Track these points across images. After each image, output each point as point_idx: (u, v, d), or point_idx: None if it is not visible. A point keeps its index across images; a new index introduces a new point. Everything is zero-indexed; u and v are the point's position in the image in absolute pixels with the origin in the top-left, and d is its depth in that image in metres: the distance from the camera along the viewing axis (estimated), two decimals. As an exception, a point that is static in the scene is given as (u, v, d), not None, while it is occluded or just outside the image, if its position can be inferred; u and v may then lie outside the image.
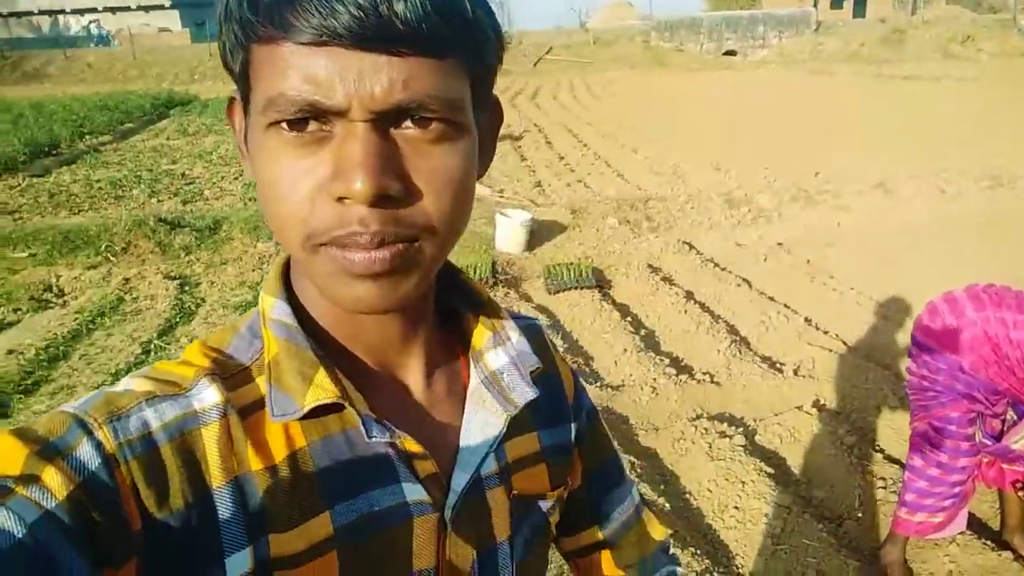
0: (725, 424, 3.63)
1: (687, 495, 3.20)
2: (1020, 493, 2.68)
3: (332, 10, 0.44)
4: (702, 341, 4.59)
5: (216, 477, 0.52)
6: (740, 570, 2.75)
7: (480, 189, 8.75)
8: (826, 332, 4.69)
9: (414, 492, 0.58)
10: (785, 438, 3.56)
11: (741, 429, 3.62)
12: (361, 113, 0.47)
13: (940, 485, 2.56)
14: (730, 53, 30.56)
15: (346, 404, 0.55)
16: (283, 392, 0.55)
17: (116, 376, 4.30)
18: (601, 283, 5.65)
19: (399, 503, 0.57)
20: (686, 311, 5.01)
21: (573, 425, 0.74)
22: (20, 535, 0.42)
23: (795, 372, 4.17)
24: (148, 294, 5.65)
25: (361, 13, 0.44)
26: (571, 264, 5.77)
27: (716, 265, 6.00)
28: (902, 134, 10.83)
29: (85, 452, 0.48)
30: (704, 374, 4.21)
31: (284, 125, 0.48)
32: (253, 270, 6.10)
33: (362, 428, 0.55)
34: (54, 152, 11.03)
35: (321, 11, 0.45)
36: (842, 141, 10.47)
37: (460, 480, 0.61)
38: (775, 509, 2.98)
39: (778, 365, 4.30)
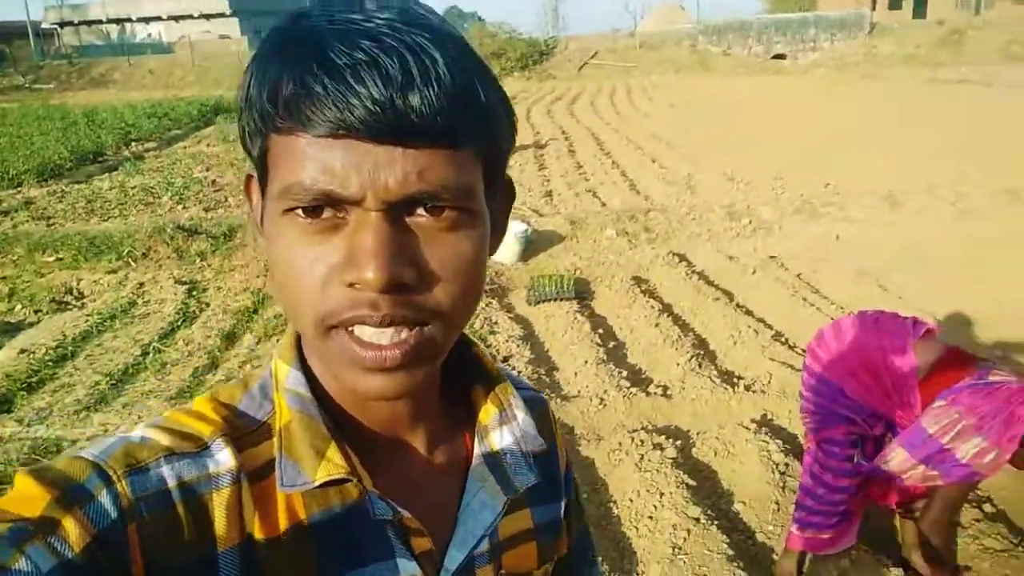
0: (663, 437, 3.76)
1: (611, 504, 3.35)
2: (900, 511, 2.76)
3: (348, 104, 0.46)
4: (665, 354, 4.70)
5: (222, 542, 0.53)
6: (638, 577, 2.89)
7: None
8: (793, 347, 4.76)
9: (408, 568, 0.59)
10: (720, 452, 3.66)
11: (678, 442, 3.73)
12: (375, 203, 0.48)
13: (826, 503, 2.67)
14: (779, 57, 30.07)
15: (354, 480, 0.56)
16: (293, 462, 0.56)
17: (110, 377, 4.65)
18: (583, 295, 5.80)
19: None
20: (658, 324, 5.12)
21: (564, 501, 0.76)
22: None
23: (747, 388, 4.26)
24: (159, 298, 6.04)
25: (377, 108, 0.46)
26: (554, 276, 5.93)
27: (702, 278, 6.08)
28: (926, 142, 10.62)
29: (103, 503, 0.49)
30: (658, 387, 4.33)
31: (300, 212, 0.50)
32: (258, 276, 6.44)
33: (366, 504, 0.57)
34: (99, 159, 11.68)
35: (338, 105, 0.46)
36: (864, 149, 10.33)
37: (454, 560, 0.62)
38: (686, 520, 3.11)
39: (734, 380, 4.39)
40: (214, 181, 9.98)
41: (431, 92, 0.46)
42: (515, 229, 6.64)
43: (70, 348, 5.13)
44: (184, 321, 5.59)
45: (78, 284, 6.42)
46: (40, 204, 8.83)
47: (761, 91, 20.57)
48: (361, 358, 0.51)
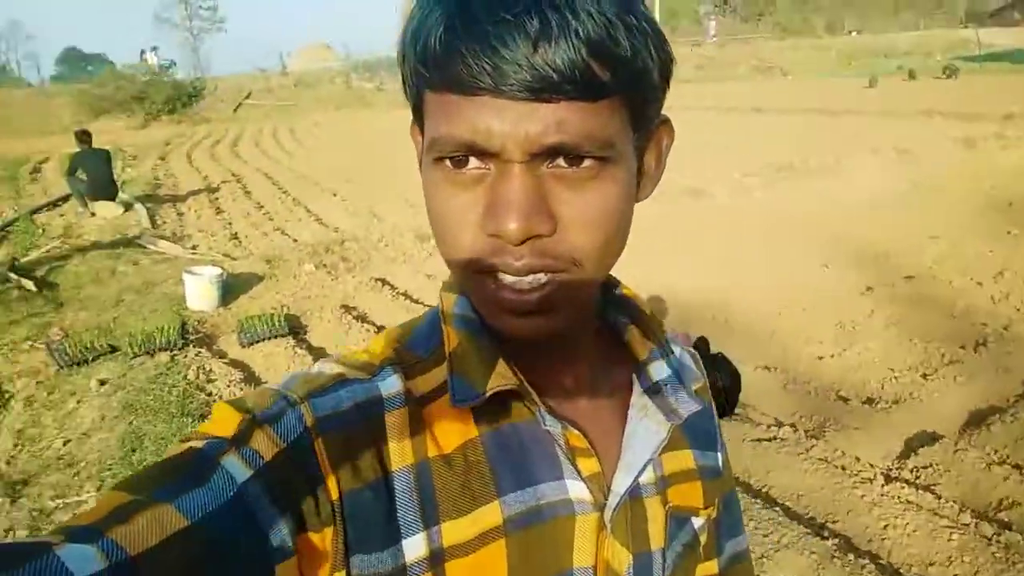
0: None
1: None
2: None
3: (494, 66, 0.48)
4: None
5: (395, 461, 0.55)
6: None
7: (170, 247, 8.37)
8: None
9: (577, 489, 0.60)
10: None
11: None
12: (516, 155, 0.50)
13: None
14: (430, 90, 32.06)
15: (523, 392, 0.58)
16: (464, 380, 0.59)
17: None
18: (297, 329, 5.74)
19: (563, 499, 0.60)
20: (377, 346, 5.28)
21: (719, 455, 0.76)
22: (232, 492, 0.46)
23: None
24: None
25: (518, 67, 0.48)
26: (263, 316, 5.78)
27: (408, 298, 6.38)
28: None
29: (289, 422, 0.52)
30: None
31: (447, 162, 0.52)
32: None
33: (538, 416, 0.58)
34: None
35: (483, 67, 0.48)
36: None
37: (622, 483, 0.62)
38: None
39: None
40: None
41: (572, 46, 0.48)
42: (209, 274, 6.34)
43: None
44: None
45: None
46: None
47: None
48: (503, 300, 0.54)
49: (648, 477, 0.65)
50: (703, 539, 0.71)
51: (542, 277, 0.53)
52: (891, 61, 36.43)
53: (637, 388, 0.67)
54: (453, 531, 0.56)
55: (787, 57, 39.79)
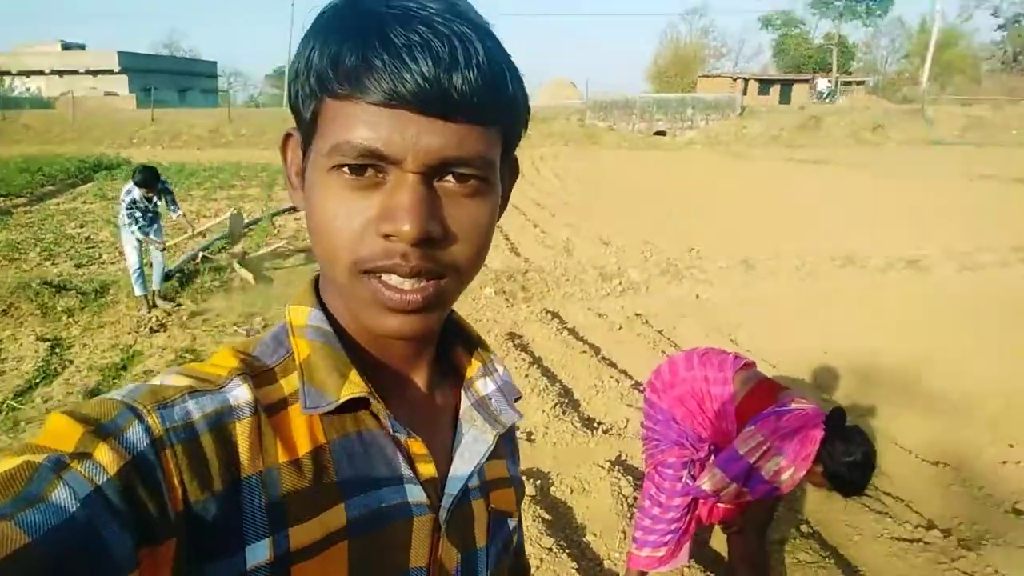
0: (524, 477, 3.96)
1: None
2: (724, 530, 3.06)
3: (402, 79, 0.52)
4: (531, 402, 4.95)
5: (246, 468, 0.56)
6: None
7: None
8: (650, 395, 5.11)
9: (415, 493, 0.64)
10: (575, 489, 3.90)
11: (538, 482, 3.95)
12: (414, 165, 0.55)
13: (660, 523, 2.93)
14: (660, 133, 32.05)
15: (373, 400, 0.61)
16: (316, 388, 0.61)
17: (-42, 432, 4.45)
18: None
19: (402, 502, 0.63)
20: (527, 375, 5.38)
21: (519, 467, 0.85)
22: (73, 509, 0.45)
23: (605, 431, 4.55)
24: (17, 355, 5.80)
25: (426, 83, 0.52)
26: (431, 330, 6.11)
27: (572, 333, 6.42)
28: (769, 214, 11.63)
29: (135, 434, 0.51)
30: (523, 433, 4.55)
31: (346, 169, 0.56)
32: (128, 333, 6.30)
33: (385, 424, 0.62)
34: (-37, 214, 11.07)
35: (393, 79, 0.52)
36: (726, 218, 11.20)
37: (454, 487, 0.67)
38: (539, 550, 3.30)
39: (594, 425, 4.68)
40: (88, 238, 9.68)
41: (472, 75, 0.53)
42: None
43: (-86, 405, 4.86)
44: (44, 378, 5.39)
45: (-71, 340, 6.08)
46: None
47: (642, 164, 21.86)
48: (386, 299, 0.58)
49: (475, 482, 0.70)
50: (514, 539, 0.79)
51: (424, 280, 0.58)
52: None
53: (465, 401, 0.73)
54: (300, 534, 0.57)
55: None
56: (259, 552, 0.55)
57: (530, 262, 8.79)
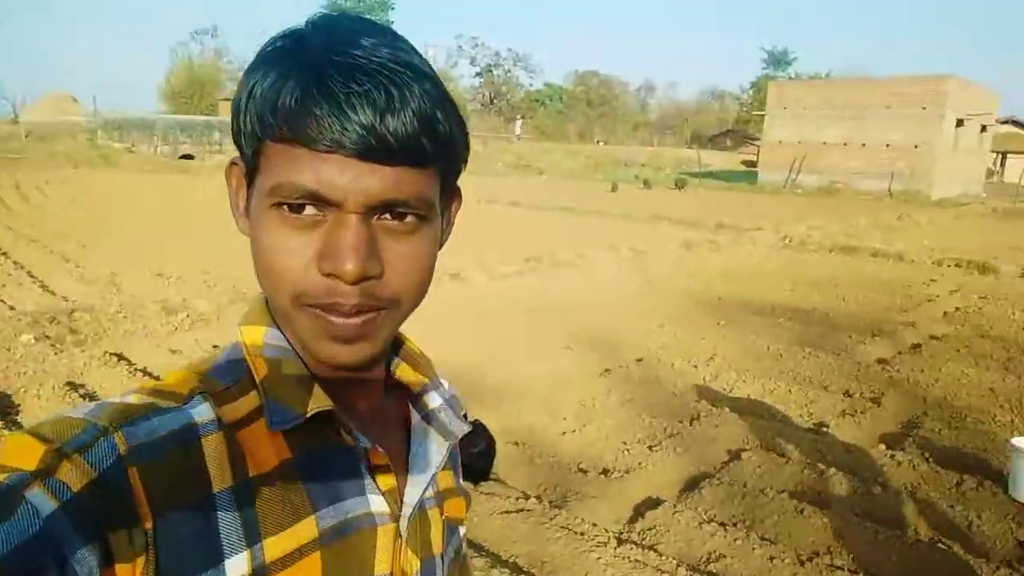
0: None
1: None
2: None
3: (342, 128, 0.54)
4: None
5: (216, 483, 0.56)
6: None
7: None
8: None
9: (377, 503, 0.66)
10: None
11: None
12: (354, 206, 0.57)
13: None
14: (187, 156, 30.39)
15: (337, 414, 0.63)
16: (280, 404, 0.62)
17: None
18: (7, 408, 5.02)
19: (366, 512, 0.65)
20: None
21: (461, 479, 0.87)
22: (36, 528, 0.45)
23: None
24: None
25: (364, 132, 0.54)
26: (-37, 392, 4.99)
27: (149, 374, 5.86)
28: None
29: (101, 451, 0.51)
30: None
31: (286, 208, 0.58)
32: None
33: (351, 437, 0.63)
34: None
35: (333, 127, 0.54)
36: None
37: (412, 497, 0.70)
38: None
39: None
40: None
41: (409, 120, 0.56)
42: None
43: None
44: None
45: None
46: None
47: (174, 188, 20.49)
48: (329, 330, 0.60)
49: (430, 492, 0.74)
50: (464, 546, 0.84)
51: (366, 313, 0.60)
52: (630, 170, 41.16)
53: (415, 415, 0.76)
54: (275, 546, 0.59)
55: (543, 159, 43.33)
56: (238, 566, 0.56)
57: (73, 300, 7.69)
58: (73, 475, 0.49)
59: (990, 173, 34.89)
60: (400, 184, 0.58)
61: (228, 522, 0.56)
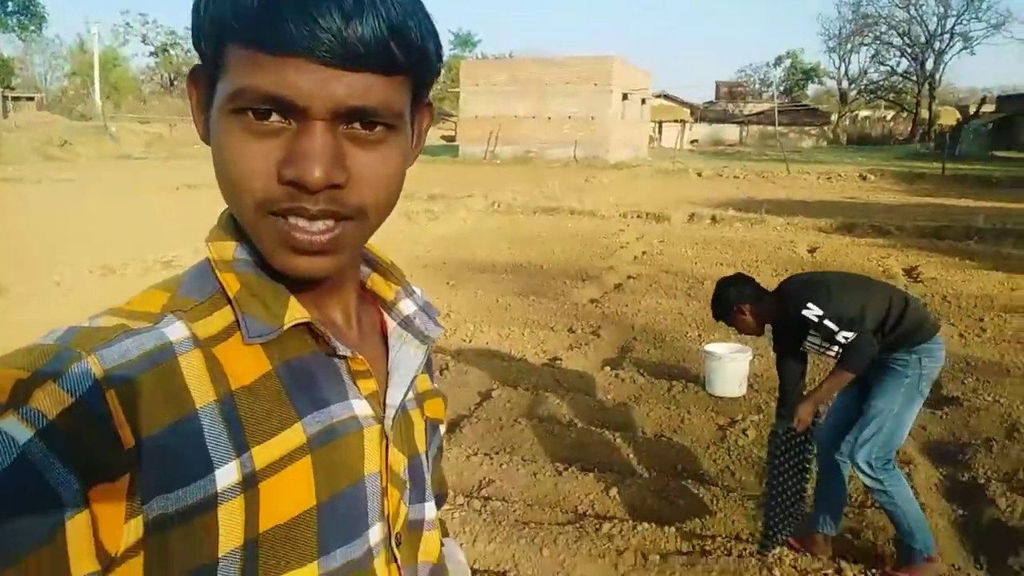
0: None
1: None
2: None
3: (306, 30, 0.52)
4: None
5: (199, 399, 0.56)
6: None
7: None
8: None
9: (361, 407, 0.67)
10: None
11: None
12: (320, 113, 0.55)
13: None
14: None
15: (315, 324, 0.63)
16: (254, 318, 0.61)
17: None
18: None
19: (351, 416, 0.65)
20: None
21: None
22: (14, 455, 0.46)
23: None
24: None
25: (330, 35, 0.52)
26: None
27: None
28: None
29: (75, 376, 0.50)
30: None
31: (250, 113, 0.55)
32: None
33: (331, 345, 0.64)
34: None
35: (297, 30, 0.52)
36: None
37: (395, 399, 0.70)
38: None
39: None
40: None
41: (378, 26, 0.54)
42: None
43: None
44: None
45: None
46: None
47: None
48: (293, 240, 0.58)
49: (410, 394, 0.74)
50: (444, 443, 0.92)
51: (331, 222, 0.58)
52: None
53: (391, 322, 0.75)
54: (263, 454, 0.58)
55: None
56: (228, 474, 0.56)
57: None
58: (48, 402, 0.48)
59: (651, 140, 40.23)
60: (368, 91, 0.56)
61: (214, 434, 0.56)
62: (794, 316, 2.99)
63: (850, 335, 2.91)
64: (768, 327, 3.27)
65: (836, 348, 2.99)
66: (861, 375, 3.02)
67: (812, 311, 2.93)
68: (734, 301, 3.17)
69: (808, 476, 3.17)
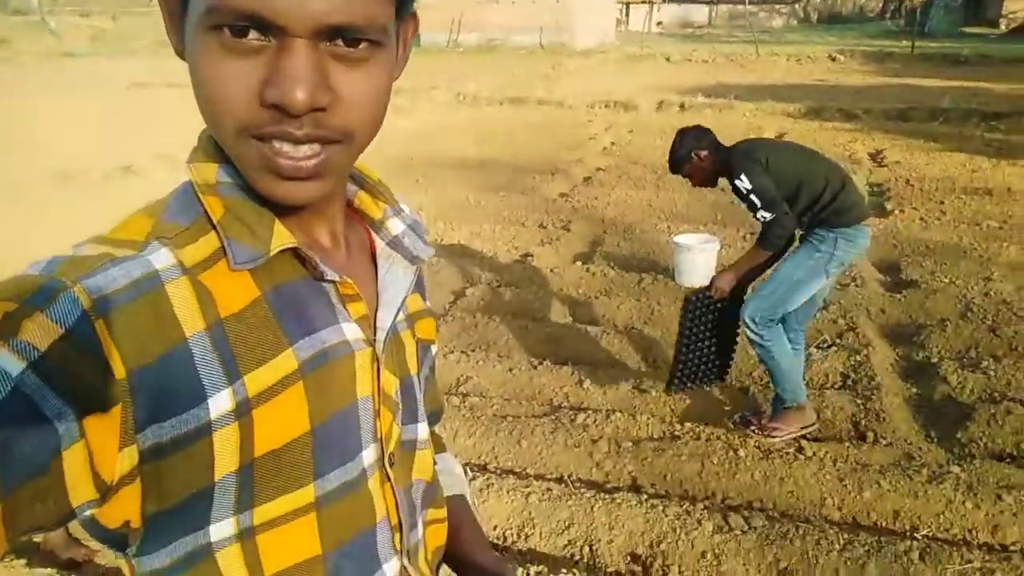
0: None
1: None
2: None
3: None
4: None
5: (188, 327, 0.55)
6: None
7: None
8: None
9: (352, 331, 0.67)
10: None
11: None
12: (301, 31, 0.52)
13: None
14: None
15: (301, 249, 0.61)
16: (240, 243, 0.59)
17: None
18: None
19: (342, 340, 0.65)
20: None
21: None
22: (8, 388, 0.46)
23: None
24: None
25: None
26: None
27: None
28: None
29: (63, 306, 0.50)
30: None
31: (226, 31, 0.52)
32: None
33: (319, 270, 0.63)
34: None
35: None
36: None
37: (385, 320, 0.70)
38: None
39: None
40: None
41: None
42: None
43: None
44: None
45: None
46: None
47: None
48: (277, 166, 0.56)
49: (400, 316, 0.74)
50: (437, 362, 0.91)
51: (317, 147, 0.57)
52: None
53: (379, 242, 0.74)
54: (256, 381, 0.59)
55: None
56: (221, 402, 0.57)
57: None
58: (37, 334, 0.48)
59: (618, 23, 38.97)
60: (351, 6, 0.53)
61: (206, 363, 0.56)
62: (732, 180, 3.13)
63: (768, 215, 3.03)
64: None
65: (759, 220, 3.13)
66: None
67: (743, 183, 3.05)
68: (693, 146, 3.25)
69: (722, 339, 3.52)
